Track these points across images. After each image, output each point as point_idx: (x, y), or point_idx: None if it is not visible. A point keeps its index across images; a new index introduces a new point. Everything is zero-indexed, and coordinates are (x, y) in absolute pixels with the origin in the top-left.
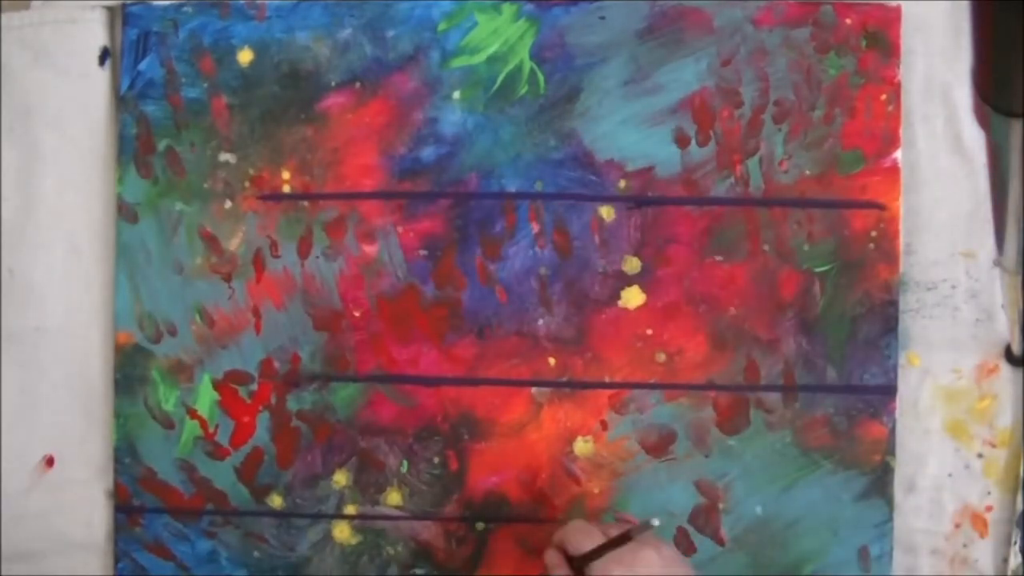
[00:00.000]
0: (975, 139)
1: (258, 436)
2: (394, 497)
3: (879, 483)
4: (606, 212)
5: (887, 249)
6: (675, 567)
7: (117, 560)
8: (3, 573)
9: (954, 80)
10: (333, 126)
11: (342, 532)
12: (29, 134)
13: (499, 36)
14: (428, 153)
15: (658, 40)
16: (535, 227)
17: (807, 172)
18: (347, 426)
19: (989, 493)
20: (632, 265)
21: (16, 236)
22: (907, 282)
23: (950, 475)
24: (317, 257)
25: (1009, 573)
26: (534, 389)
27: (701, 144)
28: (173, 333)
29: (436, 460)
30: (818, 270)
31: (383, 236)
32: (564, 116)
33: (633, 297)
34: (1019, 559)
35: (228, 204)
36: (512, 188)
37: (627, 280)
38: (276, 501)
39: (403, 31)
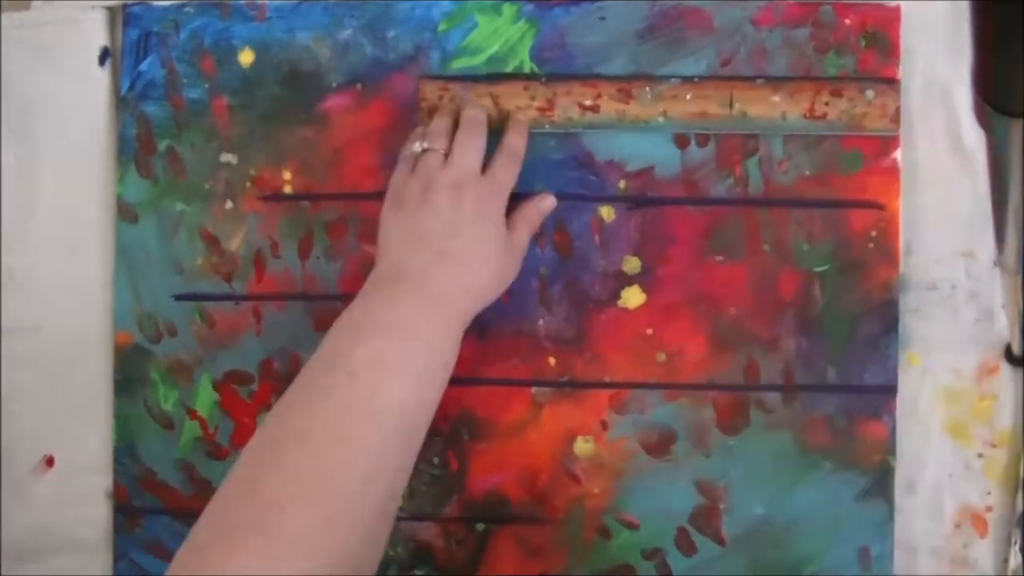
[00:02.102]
0: (975, 139)
1: None
2: None
3: (880, 483)
4: (606, 212)
5: (887, 249)
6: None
7: (116, 561)
8: (3, 573)
9: (954, 80)
10: (334, 127)
11: None
12: (29, 134)
13: (499, 37)
14: None
15: (658, 40)
16: None
17: (807, 172)
18: None
19: (989, 493)
20: (632, 265)
21: (16, 236)
22: (907, 282)
23: (950, 475)
24: (318, 257)
25: (1009, 573)
26: (534, 389)
27: (700, 144)
28: (173, 333)
29: (436, 460)
30: (818, 270)
31: None
32: None
33: (633, 297)
34: (1019, 559)
35: (229, 204)
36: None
37: (627, 280)
38: None
39: (403, 32)
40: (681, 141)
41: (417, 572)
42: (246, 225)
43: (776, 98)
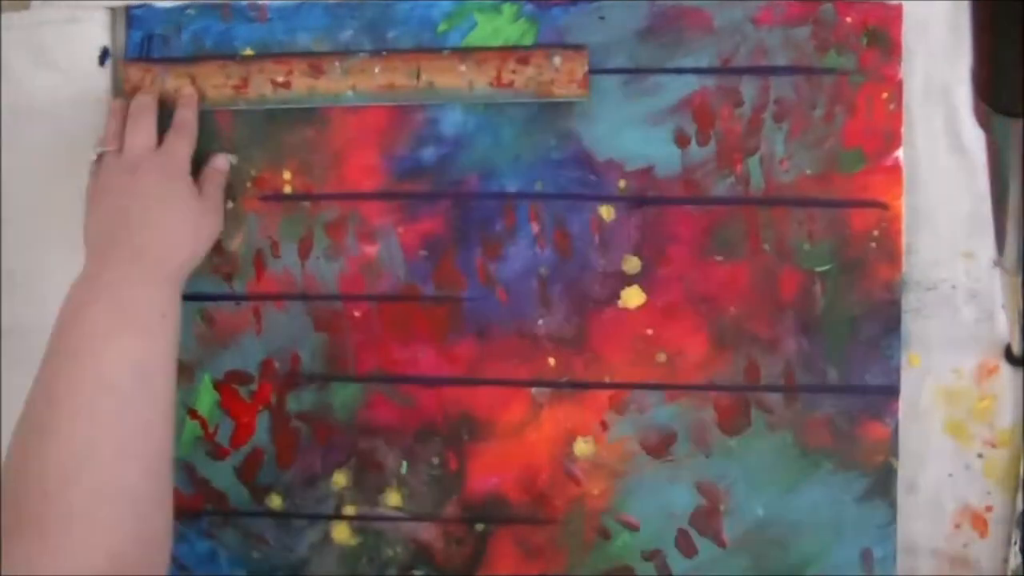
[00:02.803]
0: (975, 139)
1: (258, 436)
2: (393, 498)
3: (881, 484)
4: (606, 212)
5: (888, 248)
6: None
7: None
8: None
9: (954, 80)
10: (334, 127)
11: (341, 533)
12: (29, 134)
13: (499, 36)
14: (428, 154)
15: (658, 40)
16: (535, 227)
17: (808, 171)
18: (347, 427)
19: (989, 493)
20: (632, 265)
21: (16, 236)
22: (907, 282)
23: (950, 475)
24: (318, 257)
25: (1009, 573)
26: (534, 389)
27: (701, 144)
28: None
29: (435, 461)
30: (819, 270)
31: (383, 236)
32: (564, 116)
33: (633, 297)
34: (1019, 559)
35: (229, 204)
36: (512, 188)
37: (627, 280)
38: (275, 502)
39: (403, 32)
40: (681, 140)
41: (416, 572)
42: (246, 225)
43: (463, 67)
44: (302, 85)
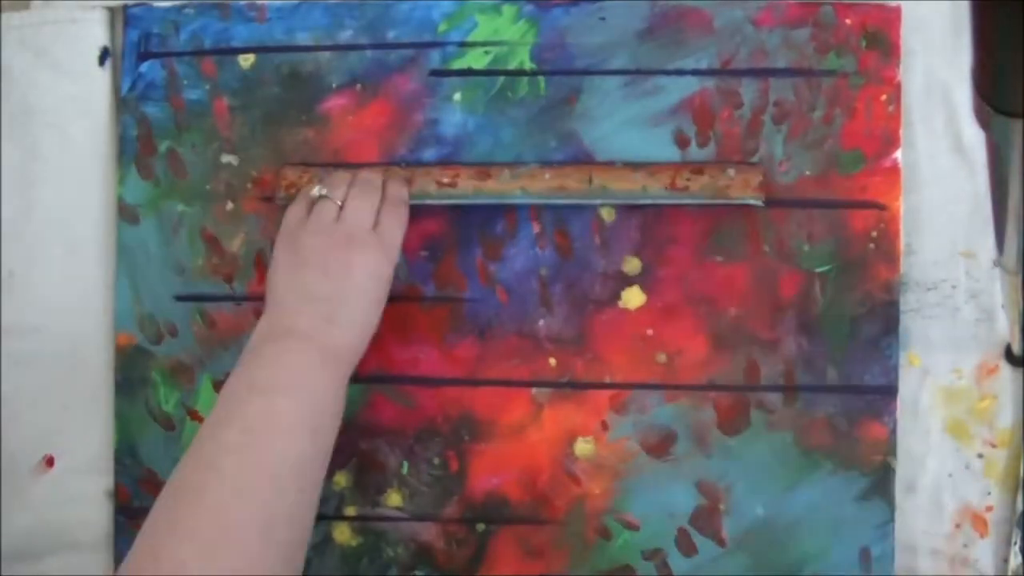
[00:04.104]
0: (975, 139)
1: None
2: (394, 498)
3: (880, 484)
4: (606, 213)
5: (887, 249)
6: None
7: (117, 561)
8: (3, 573)
9: (954, 80)
10: (334, 128)
11: (342, 533)
12: (29, 134)
13: (499, 37)
14: (429, 154)
15: (658, 41)
16: (535, 228)
17: (807, 172)
18: (347, 427)
19: (989, 493)
20: (632, 266)
21: (16, 236)
22: (907, 282)
23: (950, 475)
24: None
25: (1009, 573)
26: (534, 390)
27: (701, 145)
28: (174, 334)
29: (436, 461)
30: (818, 270)
31: None
32: (564, 117)
33: (633, 298)
34: (1019, 559)
35: (229, 205)
36: None
37: (627, 281)
38: None
39: (403, 32)
40: (681, 141)
41: (417, 573)
42: (247, 226)
43: (636, 175)
44: (468, 185)
